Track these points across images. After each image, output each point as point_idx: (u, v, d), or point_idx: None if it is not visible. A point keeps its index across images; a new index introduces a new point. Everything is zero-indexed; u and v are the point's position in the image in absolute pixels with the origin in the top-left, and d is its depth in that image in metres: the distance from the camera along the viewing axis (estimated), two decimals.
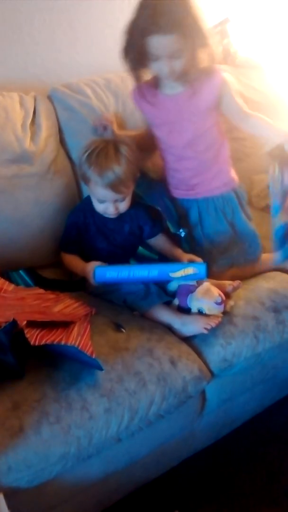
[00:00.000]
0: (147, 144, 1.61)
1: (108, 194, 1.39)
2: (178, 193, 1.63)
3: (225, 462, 1.59)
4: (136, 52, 1.39)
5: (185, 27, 1.31)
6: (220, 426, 1.57)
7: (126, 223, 1.51)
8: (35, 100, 1.63)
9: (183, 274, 1.34)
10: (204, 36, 1.36)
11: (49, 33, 1.75)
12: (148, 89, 1.52)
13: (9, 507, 0.97)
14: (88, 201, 1.49)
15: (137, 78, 1.50)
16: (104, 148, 1.36)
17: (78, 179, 1.63)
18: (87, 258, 1.48)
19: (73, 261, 1.50)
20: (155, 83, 1.51)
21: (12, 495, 1.01)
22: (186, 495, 1.49)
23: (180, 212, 1.61)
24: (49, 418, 1.07)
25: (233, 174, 1.65)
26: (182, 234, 1.52)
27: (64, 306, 1.29)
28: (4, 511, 0.95)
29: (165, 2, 1.30)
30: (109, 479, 1.28)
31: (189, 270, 1.33)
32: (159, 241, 1.54)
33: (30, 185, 1.53)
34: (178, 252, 1.50)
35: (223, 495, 1.50)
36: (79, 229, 1.50)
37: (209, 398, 1.39)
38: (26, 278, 1.48)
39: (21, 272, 1.49)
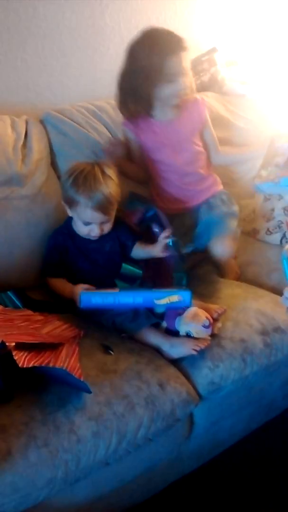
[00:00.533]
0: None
1: (96, 216, 1.42)
2: (175, 209, 1.72)
3: (212, 485, 1.58)
4: (143, 93, 1.54)
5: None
6: (208, 449, 1.57)
7: (106, 242, 1.53)
8: (26, 123, 1.65)
9: (168, 302, 1.35)
10: None
11: (41, 58, 1.78)
12: (142, 118, 1.63)
13: None
14: (66, 225, 1.52)
15: (132, 113, 1.63)
16: (92, 171, 1.40)
17: None
18: (71, 279, 1.50)
19: (59, 284, 1.50)
20: (147, 112, 1.62)
21: None
22: None
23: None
24: (37, 442, 1.06)
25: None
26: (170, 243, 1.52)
27: (53, 327, 1.30)
28: None
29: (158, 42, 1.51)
30: (96, 503, 1.27)
31: (174, 298, 1.34)
32: (138, 250, 1.56)
33: (20, 207, 1.54)
34: (151, 247, 1.51)
35: None
36: (60, 252, 1.52)
37: (197, 421, 1.39)
38: (15, 299, 1.48)
39: (9, 293, 1.48)
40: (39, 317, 1.35)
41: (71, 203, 1.43)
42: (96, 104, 1.80)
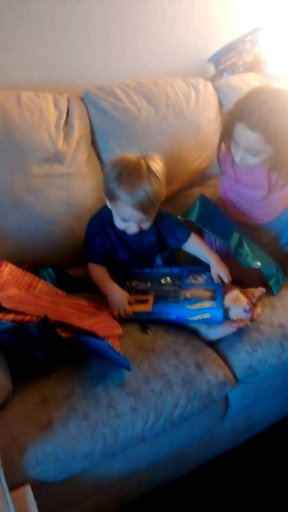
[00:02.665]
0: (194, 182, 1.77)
1: (136, 214, 1.36)
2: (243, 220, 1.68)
3: (244, 468, 1.59)
4: (228, 123, 1.47)
5: (274, 135, 1.37)
6: (241, 431, 1.57)
7: (145, 236, 1.50)
8: (68, 101, 1.65)
9: (200, 318, 1.33)
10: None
11: (84, 37, 1.77)
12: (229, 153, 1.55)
13: (35, 499, 0.98)
14: (106, 212, 1.47)
15: (220, 143, 1.57)
16: (137, 166, 1.32)
17: None
18: (109, 265, 1.51)
19: (99, 276, 1.48)
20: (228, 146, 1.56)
21: (38, 487, 1.02)
22: (204, 499, 1.49)
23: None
24: (77, 414, 1.08)
25: None
26: (257, 266, 1.47)
27: (97, 321, 1.27)
28: (31, 502, 0.96)
29: (272, 104, 1.35)
30: (130, 478, 1.29)
31: (206, 315, 1.32)
32: (190, 246, 1.53)
33: (61, 184, 1.55)
34: (212, 259, 1.47)
35: (242, 501, 1.50)
36: (102, 238, 1.49)
37: (232, 403, 1.39)
38: (53, 275, 1.50)
39: (49, 269, 1.51)
40: (91, 309, 1.34)
41: (111, 196, 1.36)
42: (138, 81, 1.78)
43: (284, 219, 1.66)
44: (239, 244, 1.48)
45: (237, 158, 1.47)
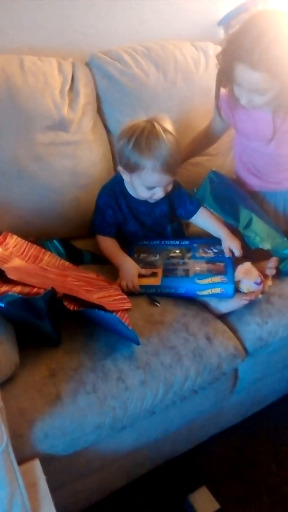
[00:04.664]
0: (200, 146, 1.66)
1: (164, 178, 1.32)
2: (261, 186, 1.58)
3: (252, 441, 1.59)
4: (225, 65, 1.33)
5: (278, 70, 1.22)
6: (249, 404, 1.56)
7: (157, 206, 1.46)
8: (73, 66, 1.58)
9: (210, 293, 1.30)
10: None
11: None
12: (231, 97, 1.43)
13: (44, 473, 0.97)
14: (118, 181, 1.43)
15: (219, 87, 1.43)
16: (153, 130, 1.28)
17: (114, 150, 1.61)
18: (118, 237, 1.47)
19: (109, 249, 1.44)
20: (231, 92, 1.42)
21: (47, 461, 1.01)
22: (213, 472, 1.49)
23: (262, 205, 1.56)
24: (86, 387, 1.06)
25: None
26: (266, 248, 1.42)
27: (105, 295, 1.23)
28: (41, 476, 0.95)
29: (270, 34, 1.20)
30: (139, 452, 1.28)
31: (217, 290, 1.29)
32: (199, 219, 1.49)
33: (66, 153, 1.50)
34: (223, 233, 1.43)
35: (249, 473, 1.50)
36: (114, 210, 1.45)
37: (241, 376, 1.37)
38: (60, 247, 1.47)
39: (55, 241, 1.47)
40: (100, 282, 1.31)
41: (134, 168, 1.30)
42: (145, 45, 1.70)
43: None
44: (248, 224, 1.42)
45: (243, 101, 1.34)
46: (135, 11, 1.80)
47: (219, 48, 1.78)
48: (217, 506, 1.31)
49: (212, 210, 1.47)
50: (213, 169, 1.57)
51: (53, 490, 0.94)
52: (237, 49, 1.25)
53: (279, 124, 1.40)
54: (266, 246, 1.40)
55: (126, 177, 1.38)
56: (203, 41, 1.84)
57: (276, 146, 1.45)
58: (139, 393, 1.10)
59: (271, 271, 1.38)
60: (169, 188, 1.38)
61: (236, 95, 1.36)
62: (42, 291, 1.09)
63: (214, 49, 1.80)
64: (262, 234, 1.41)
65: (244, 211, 1.44)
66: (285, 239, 1.46)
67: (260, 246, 1.40)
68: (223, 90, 1.44)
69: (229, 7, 1.94)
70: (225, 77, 1.36)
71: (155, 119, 1.31)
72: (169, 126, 1.31)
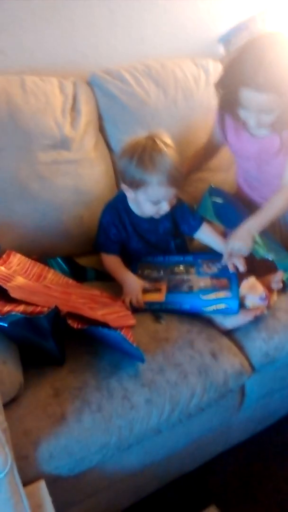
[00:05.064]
0: (199, 162, 1.68)
1: (169, 191, 1.33)
2: (261, 202, 1.58)
3: (261, 457, 1.56)
4: (228, 92, 1.36)
5: (284, 88, 1.25)
6: (257, 420, 1.54)
7: (160, 223, 1.47)
8: (74, 85, 1.60)
9: (215, 309, 1.29)
10: None
11: (88, 17, 1.71)
12: (232, 122, 1.47)
13: (49, 494, 0.96)
14: (120, 199, 1.44)
15: (222, 116, 1.47)
16: (154, 145, 1.29)
17: (116, 167, 1.61)
18: (123, 254, 1.47)
19: (113, 266, 1.44)
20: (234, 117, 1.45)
21: (52, 482, 1.00)
22: (222, 489, 1.47)
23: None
24: (91, 407, 1.05)
25: None
26: (270, 258, 1.42)
27: (110, 311, 1.23)
28: (46, 497, 0.94)
29: (270, 55, 1.22)
30: (146, 470, 1.26)
31: (221, 306, 1.29)
32: (203, 235, 1.49)
33: (69, 171, 1.51)
34: (223, 243, 1.44)
35: (258, 490, 1.47)
36: (117, 228, 1.45)
37: (248, 392, 1.36)
38: (63, 265, 1.47)
39: (58, 259, 1.48)
40: (104, 299, 1.30)
41: (139, 185, 1.31)
42: (145, 63, 1.72)
43: None
44: None
45: (252, 122, 1.35)
46: (135, 29, 1.82)
47: (219, 65, 1.81)
48: None
49: (215, 222, 1.47)
50: (212, 185, 1.57)
51: (60, 511, 0.92)
52: (239, 75, 1.27)
53: (285, 139, 1.41)
54: (271, 256, 1.40)
55: (130, 194, 1.39)
56: (203, 58, 1.86)
57: (269, 168, 1.48)
58: (145, 411, 1.09)
59: (277, 285, 1.37)
60: (174, 201, 1.39)
61: (243, 118, 1.38)
62: (45, 309, 1.08)
63: (214, 66, 1.82)
64: (265, 246, 1.41)
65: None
66: (285, 251, 1.46)
67: (266, 256, 1.39)
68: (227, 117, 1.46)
69: (229, 25, 1.96)
70: (229, 103, 1.38)
71: (155, 135, 1.33)
72: (169, 140, 1.33)
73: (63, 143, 1.50)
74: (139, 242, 1.48)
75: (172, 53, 1.89)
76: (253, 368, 1.30)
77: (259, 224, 1.42)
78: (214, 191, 1.57)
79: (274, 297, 1.36)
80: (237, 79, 1.28)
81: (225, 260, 1.41)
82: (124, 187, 1.38)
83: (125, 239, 1.47)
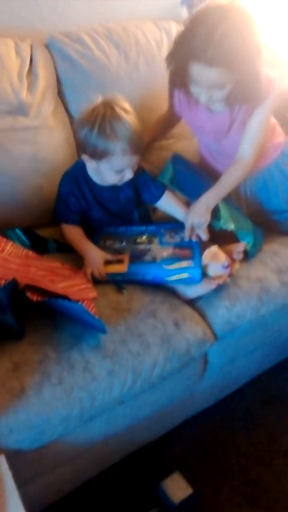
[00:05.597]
0: (161, 130, 1.64)
1: (132, 158, 1.30)
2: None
3: (224, 423, 1.59)
4: (178, 67, 1.30)
5: (234, 63, 1.20)
6: (220, 388, 1.56)
7: (121, 192, 1.44)
8: (31, 48, 1.53)
9: (178, 278, 1.29)
10: (255, 71, 1.26)
11: None
12: (185, 98, 1.42)
13: (10, 468, 0.95)
14: (79, 167, 1.40)
15: (173, 89, 1.44)
16: (113, 113, 1.25)
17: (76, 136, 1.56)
18: (84, 225, 1.44)
19: (74, 237, 1.41)
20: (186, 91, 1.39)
21: (13, 456, 0.98)
22: (186, 456, 1.49)
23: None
24: (51, 380, 1.04)
25: (277, 136, 1.56)
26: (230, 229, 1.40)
27: (71, 284, 1.20)
28: (6, 472, 0.92)
29: (221, 29, 1.16)
30: (110, 441, 1.27)
31: (184, 275, 1.28)
32: (165, 204, 1.47)
33: (26, 139, 1.45)
34: (185, 211, 1.43)
35: (223, 456, 1.50)
36: (77, 198, 1.41)
37: (211, 360, 1.37)
38: (23, 236, 1.43)
39: (17, 230, 1.43)
40: (65, 271, 1.27)
41: (102, 155, 1.27)
42: (106, 26, 1.66)
43: (264, 182, 1.56)
44: None
45: (203, 98, 1.32)
46: None
47: (181, 28, 1.75)
48: (190, 491, 1.31)
49: (176, 192, 1.45)
50: (176, 153, 1.54)
51: (22, 484, 0.92)
52: (189, 49, 1.22)
53: (234, 118, 1.40)
54: (230, 226, 1.39)
55: (91, 164, 1.34)
56: (166, 20, 1.80)
57: (227, 141, 1.47)
58: (107, 382, 1.09)
59: (238, 255, 1.37)
60: (136, 167, 1.37)
61: (194, 93, 1.34)
62: (2, 282, 1.05)
63: (177, 29, 1.76)
64: (225, 215, 1.40)
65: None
66: (248, 221, 1.45)
67: (224, 227, 1.39)
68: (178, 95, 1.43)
69: None
70: (180, 78, 1.34)
71: (112, 101, 1.28)
72: (127, 105, 1.29)
73: (20, 109, 1.44)
74: (100, 211, 1.45)
75: (134, 16, 1.82)
76: (215, 336, 1.31)
77: (216, 197, 1.41)
78: (177, 160, 1.54)
79: (236, 265, 1.36)
80: (187, 53, 1.23)
81: (186, 235, 1.39)
82: (85, 157, 1.33)
83: (85, 209, 1.44)
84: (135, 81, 1.64)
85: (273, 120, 1.52)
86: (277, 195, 1.56)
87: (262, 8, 1.98)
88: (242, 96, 1.32)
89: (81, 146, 1.33)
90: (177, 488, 1.31)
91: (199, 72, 1.24)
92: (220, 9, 1.21)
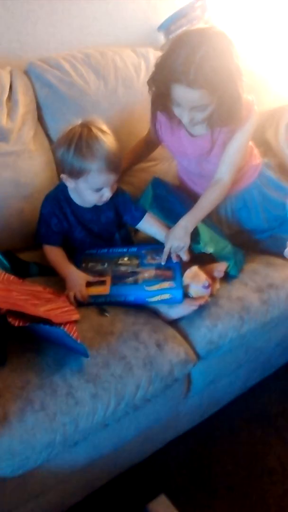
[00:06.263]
0: (141, 154, 1.67)
1: (110, 177, 1.33)
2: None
3: (209, 443, 1.59)
4: (160, 90, 1.34)
5: (216, 84, 1.24)
6: (204, 407, 1.56)
7: (103, 213, 1.46)
8: (11, 75, 1.55)
9: (160, 299, 1.30)
10: (236, 93, 1.29)
11: (24, 4, 1.66)
12: (167, 121, 1.46)
13: None
14: (61, 189, 1.42)
15: (155, 112, 1.46)
16: (90, 133, 1.28)
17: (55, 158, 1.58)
18: (65, 246, 1.45)
19: (56, 258, 1.42)
20: (168, 114, 1.44)
21: None
22: (171, 477, 1.49)
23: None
24: (34, 406, 1.03)
25: (255, 159, 1.59)
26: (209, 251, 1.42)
27: (54, 307, 1.20)
28: None
29: (202, 51, 1.20)
30: (94, 464, 1.26)
31: (165, 296, 1.29)
32: (145, 225, 1.49)
33: (7, 164, 1.46)
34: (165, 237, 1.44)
35: (207, 476, 1.50)
36: (59, 219, 1.43)
37: (194, 380, 1.38)
38: (3, 260, 1.43)
39: None
40: (47, 295, 1.27)
41: (79, 173, 1.30)
42: (84, 52, 1.69)
43: (244, 202, 1.59)
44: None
45: (185, 120, 1.34)
46: (73, 17, 1.78)
47: (159, 54, 1.79)
48: None
49: (155, 216, 1.47)
50: (156, 176, 1.57)
51: None
52: (171, 72, 1.25)
53: (216, 136, 1.43)
54: (209, 249, 1.41)
55: (70, 184, 1.37)
56: (144, 47, 1.84)
57: (208, 164, 1.50)
58: (90, 407, 1.08)
59: (219, 274, 1.39)
60: (115, 187, 1.39)
61: (177, 115, 1.37)
62: None
63: (154, 55, 1.80)
64: (205, 238, 1.42)
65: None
66: (227, 242, 1.48)
67: (203, 251, 1.41)
68: (160, 119, 1.47)
69: (169, 13, 1.95)
70: (162, 100, 1.37)
71: (89, 122, 1.32)
72: (104, 126, 1.33)
73: (0, 135, 1.45)
74: (82, 232, 1.46)
75: (112, 42, 1.87)
76: (198, 356, 1.32)
77: (195, 220, 1.43)
78: (157, 183, 1.56)
79: (217, 285, 1.38)
80: (168, 75, 1.26)
81: (163, 259, 1.41)
82: (63, 177, 1.36)
83: (67, 229, 1.45)
84: (114, 105, 1.67)
85: (250, 143, 1.56)
86: (258, 215, 1.59)
87: (238, 32, 2.05)
88: (223, 118, 1.35)
89: (60, 166, 1.37)
90: (163, 511, 1.31)
91: (181, 94, 1.27)
92: (200, 32, 1.25)
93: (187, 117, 1.34)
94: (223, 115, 1.34)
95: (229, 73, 1.25)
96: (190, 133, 1.46)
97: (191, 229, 1.41)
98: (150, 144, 1.65)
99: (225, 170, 1.46)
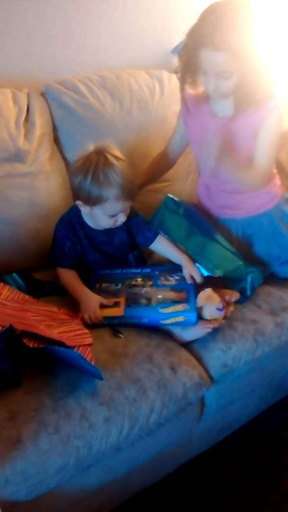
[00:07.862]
0: (156, 171, 1.68)
1: (125, 204, 1.35)
2: (219, 212, 1.58)
3: (222, 467, 1.57)
4: (188, 57, 1.35)
5: (240, 50, 1.25)
6: (218, 431, 1.55)
7: (115, 235, 1.47)
8: (28, 96, 1.58)
9: (174, 321, 1.30)
10: (259, 64, 1.30)
11: (44, 28, 1.70)
12: (194, 99, 1.48)
13: None
14: (74, 212, 1.44)
15: (183, 84, 1.44)
16: (106, 161, 1.30)
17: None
18: (79, 267, 1.46)
19: (70, 282, 1.42)
20: (205, 97, 1.46)
21: (8, 508, 0.97)
22: (184, 501, 1.47)
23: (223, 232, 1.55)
24: (48, 428, 1.03)
25: (277, 187, 1.58)
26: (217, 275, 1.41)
27: (67, 330, 1.20)
28: None
29: (228, 18, 1.24)
30: (107, 488, 1.25)
31: (180, 318, 1.29)
32: (159, 246, 1.49)
33: (23, 184, 1.48)
34: (183, 259, 1.44)
35: (221, 500, 1.48)
36: (72, 241, 1.44)
37: (208, 404, 1.36)
38: (19, 280, 1.44)
39: (14, 274, 1.44)
40: (62, 316, 1.28)
41: (95, 201, 1.31)
42: (100, 74, 1.71)
43: (254, 229, 1.56)
44: (200, 250, 1.43)
45: (210, 88, 1.34)
46: (90, 40, 1.81)
47: (173, 77, 1.82)
48: None
49: (166, 236, 1.48)
50: (169, 195, 1.57)
51: None
52: (198, 37, 1.27)
53: (238, 129, 1.41)
54: (218, 273, 1.40)
55: (85, 209, 1.38)
56: (158, 69, 1.87)
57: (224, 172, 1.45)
58: (104, 430, 1.08)
59: (230, 300, 1.39)
60: (128, 211, 1.40)
61: (203, 85, 1.38)
62: None
63: (168, 77, 1.83)
64: (215, 260, 1.42)
65: (197, 237, 1.45)
66: (241, 261, 1.45)
67: (211, 274, 1.40)
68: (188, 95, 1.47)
69: (182, 36, 1.97)
70: (190, 67, 1.37)
71: (104, 149, 1.33)
72: (118, 153, 1.34)
73: (17, 156, 1.47)
74: (95, 254, 1.47)
75: (127, 65, 1.89)
76: (212, 379, 1.31)
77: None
78: (170, 202, 1.56)
79: (231, 307, 1.38)
80: (196, 41, 1.28)
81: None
82: (79, 203, 1.37)
83: (80, 252, 1.46)
84: (129, 127, 1.68)
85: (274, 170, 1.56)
86: (263, 245, 1.57)
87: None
88: (247, 94, 1.35)
89: (75, 193, 1.37)
90: None
91: (206, 58, 1.28)
92: (229, 2, 1.28)
93: (213, 85, 1.34)
94: (247, 89, 1.34)
95: (252, 42, 1.27)
96: (214, 113, 1.45)
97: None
98: (167, 158, 1.65)
99: (262, 155, 1.43)
